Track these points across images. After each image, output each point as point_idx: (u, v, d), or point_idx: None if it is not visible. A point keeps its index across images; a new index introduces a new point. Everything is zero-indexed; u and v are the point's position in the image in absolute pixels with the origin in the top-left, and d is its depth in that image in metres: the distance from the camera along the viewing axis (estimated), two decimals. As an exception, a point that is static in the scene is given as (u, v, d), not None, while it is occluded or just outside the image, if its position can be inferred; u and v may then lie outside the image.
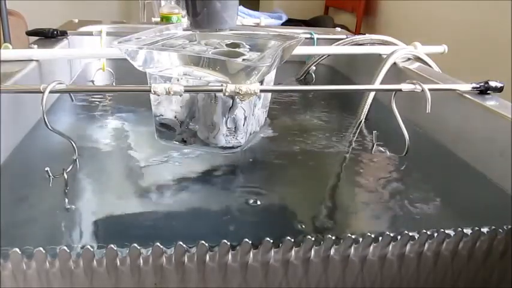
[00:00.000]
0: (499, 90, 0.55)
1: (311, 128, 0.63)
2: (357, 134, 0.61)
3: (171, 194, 0.44)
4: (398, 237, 0.34)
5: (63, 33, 0.78)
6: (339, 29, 1.04)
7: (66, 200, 0.41)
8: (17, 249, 0.30)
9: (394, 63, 0.69)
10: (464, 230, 0.35)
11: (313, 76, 0.86)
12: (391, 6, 2.16)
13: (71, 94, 0.46)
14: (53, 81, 0.42)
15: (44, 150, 0.52)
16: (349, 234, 0.33)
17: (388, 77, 0.66)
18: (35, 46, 0.66)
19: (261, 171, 0.51)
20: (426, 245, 0.35)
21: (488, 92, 0.55)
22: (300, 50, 0.71)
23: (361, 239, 0.34)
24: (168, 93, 0.43)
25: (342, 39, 0.83)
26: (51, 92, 0.42)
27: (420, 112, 0.57)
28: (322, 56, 0.86)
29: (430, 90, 0.49)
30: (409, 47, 0.74)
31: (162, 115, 0.51)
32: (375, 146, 0.56)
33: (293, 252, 0.33)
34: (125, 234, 0.37)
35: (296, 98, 0.75)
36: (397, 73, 0.69)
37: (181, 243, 0.31)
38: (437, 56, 0.76)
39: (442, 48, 0.78)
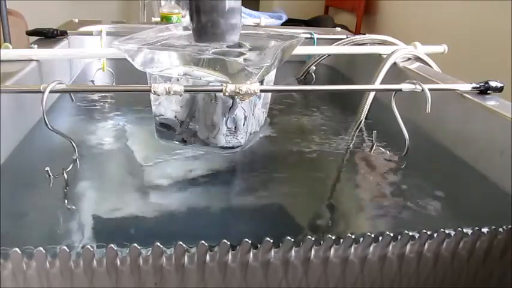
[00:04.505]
0: (499, 90, 0.55)
1: (311, 127, 0.63)
2: (357, 134, 0.61)
3: (171, 193, 0.44)
4: (399, 237, 0.34)
5: (63, 33, 0.78)
6: (339, 29, 1.03)
7: (66, 200, 0.41)
8: (17, 249, 0.30)
9: (394, 63, 0.69)
10: (464, 230, 0.35)
11: (313, 76, 0.86)
12: (391, 6, 2.16)
13: (71, 94, 0.46)
14: (53, 81, 0.42)
15: (44, 150, 0.52)
16: (349, 234, 0.33)
17: (388, 77, 0.66)
18: (35, 46, 0.66)
19: (261, 171, 0.51)
20: (426, 245, 0.35)
21: (488, 92, 0.55)
22: (300, 50, 0.71)
23: (361, 239, 0.34)
24: (168, 93, 0.43)
25: (342, 39, 0.83)
26: (51, 92, 0.42)
27: (420, 112, 0.57)
28: (322, 56, 0.86)
29: (430, 90, 0.49)
30: (409, 47, 0.74)
31: (162, 115, 0.51)
32: (374, 145, 0.56)
33: (293, 252, 0.33)
34: (125, 234, 0.37)
35: (296, 98, 0.75)
36: (397, 73, 0.69)
37: (181, 243, 0.31)
38: (437, 56, 0.76)
39: (442, 48, 0.78)
